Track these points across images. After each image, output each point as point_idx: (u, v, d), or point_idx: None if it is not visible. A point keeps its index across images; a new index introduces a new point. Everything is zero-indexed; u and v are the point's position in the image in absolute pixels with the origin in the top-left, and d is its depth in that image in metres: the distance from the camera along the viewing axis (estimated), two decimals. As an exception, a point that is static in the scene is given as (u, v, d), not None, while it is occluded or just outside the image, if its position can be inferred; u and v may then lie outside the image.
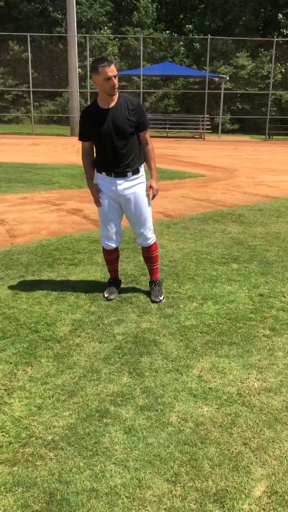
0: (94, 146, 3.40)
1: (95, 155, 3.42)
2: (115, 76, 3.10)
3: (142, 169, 3.45)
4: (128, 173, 3.34)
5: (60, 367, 2.69)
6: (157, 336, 3.06)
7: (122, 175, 3.34)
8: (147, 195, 3.47)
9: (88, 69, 24.92)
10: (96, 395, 2.43)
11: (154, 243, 3.64)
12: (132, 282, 3.99)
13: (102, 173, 3.42)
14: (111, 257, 3.71)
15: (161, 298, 3.62)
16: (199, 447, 2.08)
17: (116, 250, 3.69)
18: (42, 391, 2.47)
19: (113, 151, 3.27)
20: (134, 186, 3.39)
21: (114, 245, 3.61)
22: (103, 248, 3.69)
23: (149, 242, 3.58)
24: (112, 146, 3.26)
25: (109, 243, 3.59)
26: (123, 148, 3.27)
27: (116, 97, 3.22)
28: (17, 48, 29.91)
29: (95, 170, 3.46)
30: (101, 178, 3.46)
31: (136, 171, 3.38)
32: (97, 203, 3.47)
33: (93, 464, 1.98)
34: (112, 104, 3.21)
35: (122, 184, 3.36)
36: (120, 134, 3.23)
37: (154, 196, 3.53)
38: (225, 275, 4.18)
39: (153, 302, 3.58)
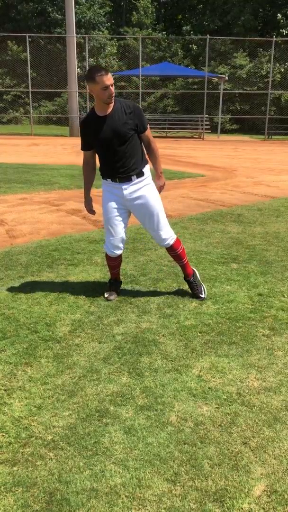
0: (95, 155, 3.42)
1: (98, 162, 3.42)
2: (112, 85, 3.10)
3: (146, 170, 3.42)
4: (132, 177, 3.33)
5: (60, 367, 2.69)
6: (157, 336, 3.06)
7: (127, 179, 3.33)
8: (158, 196, 3.46)
9: (88, 70, 24.94)
10: (95, 395, 2.43)
11: (174, 242, 3.54)
12: (131, 282, 3.99)
13: (107, 179, 3.41)
14: (115, 263, 3.68)
15: (202, 295, 3.63)
16: (198, 446, 2.08)
17: (119, 256, 3.66)
18: (42, 391, 2.47)
19: (115, 156, 3.27)
20: (140, 189, 3.38)
21: (118, 253, 3.58)
22: (106, 254, 3.65)
23: (166, 243, 3.52)
24: (114, 152, 3.26)
25: (114, 251, 3.56)
26: (125, 152, 3.27)
27: (112, 104, 3.21)
28: (16, 48, 29.91)
29: (101, 177, 3.45)
30: (106, 184, 3.45)
31: (141, 174, 3.36)
32: (91, 212, 3.64)
33: (93, 464, 1.98)
34: (109, 110, 3.20)
35: (128, 189, 3.35)
36: (121, 139, 3.23)
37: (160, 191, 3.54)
38: (224, 275, 4.18)
39: (198, 299, 3.62)
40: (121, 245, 3.55)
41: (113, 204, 3.43)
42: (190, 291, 3.71)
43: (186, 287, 3.84)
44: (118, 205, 3.43)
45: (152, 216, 3.43)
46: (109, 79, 3.07)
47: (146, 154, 3.45)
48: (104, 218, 3.51)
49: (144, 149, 3.42)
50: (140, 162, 3.36)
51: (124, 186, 3.35)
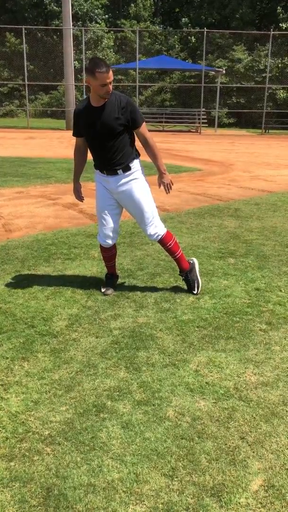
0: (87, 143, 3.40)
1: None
2: (111, 82, 3.05)
3: (134, 165, 3.36)
4: (118, 171, 3.31)
5: (57, 362, 2.68)
6: (154, 330, 3.06)
7: (113, 173, 3.32)
8: (145, 191, 3.41)
9: (84, 63, 24.79)
10: (93, 390, 2.43)
11: (164, 236, 3.51)
12: (128, 276, 3.98)
13: (97, 170, 3.43)
14: (109, 254, 3.68)
15: (194, 291, 3.62)
16: (196, 441, 2.08)
17: (113, 247, 3.65)
18: (39, 386, 2.46)
19: (102, 149, 3.26)
20: (127, 182, 3.35)
21: (110, 242, 3.57)
22: (100, 245, 3.67)
23: (154, 237, 3.49)
24: (100, 145, 3.25)
25: (106, 240, 3.55)
26: (112, 147, 3.23)
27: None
28: (14, 40, 29.66)
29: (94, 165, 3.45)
30: (97, 175, 3.48)
31: (127, 168, 3.32)
32: (79, 199, 3.64)
33: (90, 459, 1.98)
34: (102, 102, 3.16)
35: (113, 182, 3.35)
36: (108, 133, 3.19)
37: (169, 190, 3.49)
38: (221, 269, 4.17)
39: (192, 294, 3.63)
40: (112, 234, 3.54)
41: (104, 195, 3.45)
42: (180, 286, 3.72)
43: (183, 282, 3.84)
44: (109, 195, 3.44)
45: (137, 210, 3.41)
46: (109, 76, 3.02)
47: (144, 150, 3.40)
48: (97, 208, 3.54)
49: (142, 145, 3.37)
50: (128, 156, 3.30)
51: (110, 179, 3.35)
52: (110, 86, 3.07)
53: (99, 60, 3.05)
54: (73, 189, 3.66)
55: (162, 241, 3.53)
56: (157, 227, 3.48)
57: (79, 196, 3.64)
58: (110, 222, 3.50)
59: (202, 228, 5.53)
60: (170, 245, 3.56)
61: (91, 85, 3.09)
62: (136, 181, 3.37)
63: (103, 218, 3.50)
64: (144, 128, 3.30)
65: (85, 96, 26.13)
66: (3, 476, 1.88)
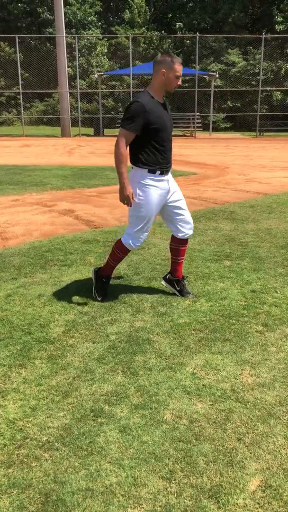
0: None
1: (143, 153, 3.24)
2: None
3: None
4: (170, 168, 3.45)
5: (54, 368, 2.69)
6: (151, 334, 3.07)
7: (169, 170, 3.40)
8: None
9: (78, 70, 24.90)
10: (90, 395, 2.43)
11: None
12: (125, 281, 4.00)
13: (156, 172, 3.27)
14: (126, 255, 3.64)
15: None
16: (193, 443, 2.09)
17: None
18: (36, 392, 2.47)
19: (170, 143, 3.34)
20: (173, 179, 3.48)
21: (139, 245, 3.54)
22: (123, 247, 3.49)
23: (191, 232, 3.64)
24: (169, 141, 3.33)
25: (139, 245, 3.50)
26: (171, 143, 3.37)
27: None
28: (8, 49, 29.79)
29: (142, 169, 3.26)
30: (151, 179, 3.27)
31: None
32: (131, 204, 3.27)
33: (88, 463, 1.98)
34: (162, 98, 3.27)
35: (169, 180, 3.41)
36: (171, 130, 3.34)
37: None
38: (217, 272, 4.19)
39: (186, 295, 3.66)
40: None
41: (159, 201, 3.37)
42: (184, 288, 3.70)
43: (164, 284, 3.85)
44: (161, 203, 3.41)
45: (185, 205, 3.55)
46: (181, 69, 3.18)
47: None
48: (143, 215, 3.34)
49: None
50: None
51: (166, 178, 3.37)
52: (181, 80, 3.21)
53: (172, 54, 3.22)
54: (127, 191, 3.22)
55: (187, 240, 3.64)
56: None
57: (132, 193, 3.28)
58: (149, 230, 3.53)
59: (197, 232, 5.55)
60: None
61: (161, 78, 3.15)
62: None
63: (149, 224, 3.42)
64: None
65: (79, 103, 26.07)
66: (1, 483, 1.89)
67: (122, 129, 3.15)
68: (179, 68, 3.13)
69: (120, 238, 3.54)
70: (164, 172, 3.32)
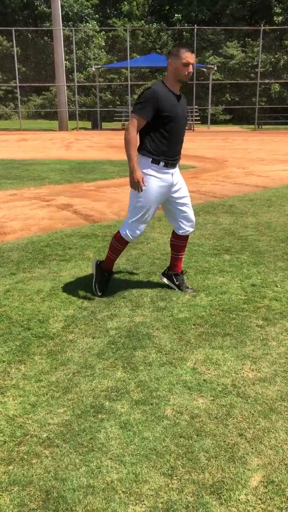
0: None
1: (151, 141, 3.20)
2: (192, 66, 3.13)
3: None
4: (178, 163, 3.42)
5: (54, 364, 2.68)
6: (151, 329, 3.05)
7: (176, 164, 3.36)
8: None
9: (75, 63, 24.72)
10: (90, 391, 2.42)
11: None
12: (124, 276, 3.97)
13: (160, 163, 3.23)
14: (125, 247, 3.59)
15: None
16: (195, 439, 2.08)
17: None
18: (36, 388, 2.45)
19: (181, 135, 3.29)
20: (179, 173, 3.45)
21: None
22: (121, 239, 3.45)
23: (193, 227, 3.63)
24: (181, 133, 3.28)
25: (135, 236, 3.43)
26: (183, 136, 3.34)
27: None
28: (6, 43, 29.56)
29: (149, 160, 3.22)
30: (155, 170, 3.24)
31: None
32: (141, 189, 3.21)
33: (89, 460, 1.97)
34: (178, 90, 3.23)
35: (175, 174, 3.36)
36: (185, 123, 3.30)
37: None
38: (217, 266, 4.17)
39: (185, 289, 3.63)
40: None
41: (161, 193, 3.32)
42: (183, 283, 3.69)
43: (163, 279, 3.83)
44: (164, 195, 3.36)
45: (188, 199, 3.51)
46: (192, 57, 3.12)
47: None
48: (141, 205, 3.30)
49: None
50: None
51: (172, 171, 3.32)
52: (191, 68, 3.13)
53: (183, 43, 3.23)
54: (137, 175, 3.15)
55: (188, 236, 3.62)
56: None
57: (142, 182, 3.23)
58: (149, 221, 3.49)
59: (197, 226, 5.49)
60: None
61: (171, 69, 3.14)
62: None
63: (149, 214, 3.38)
64: None
65: (77, 96, 25.90)
66: (1, 480, 1.87)
67: (133, 114, 3.16)
68: (185, 55, 3.08)
69: (119, 230, 3.51)
70: (169, 165, 3.28)
